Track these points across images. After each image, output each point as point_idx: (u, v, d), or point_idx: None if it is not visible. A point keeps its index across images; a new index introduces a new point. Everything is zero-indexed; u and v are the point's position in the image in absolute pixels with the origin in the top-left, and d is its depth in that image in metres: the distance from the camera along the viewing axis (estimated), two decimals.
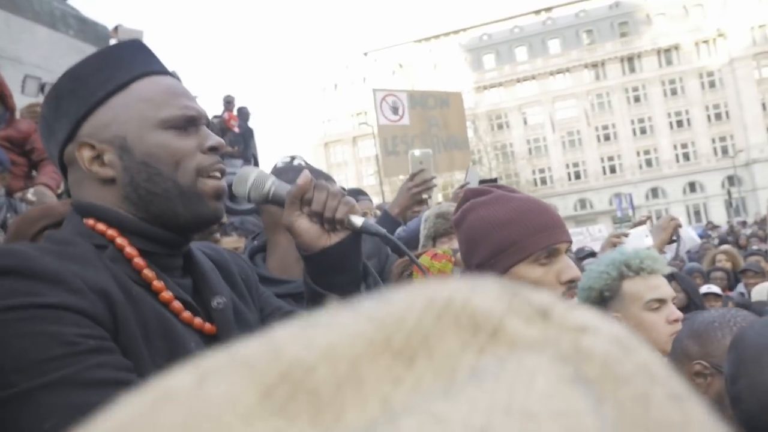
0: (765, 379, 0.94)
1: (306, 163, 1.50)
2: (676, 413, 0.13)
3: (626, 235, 2.31)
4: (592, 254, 4.63)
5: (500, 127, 43.77)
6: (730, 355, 1.03)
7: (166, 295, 0.85)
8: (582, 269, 1.49)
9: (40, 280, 0.74)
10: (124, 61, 0.91)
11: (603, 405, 0.14)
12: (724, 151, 39.68)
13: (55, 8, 4.45)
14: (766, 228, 12.76)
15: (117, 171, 0.87)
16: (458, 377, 0.15)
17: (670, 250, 2.42)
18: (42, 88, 3.22)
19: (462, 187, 2.43)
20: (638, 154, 41.63)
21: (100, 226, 0.86)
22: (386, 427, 0.14)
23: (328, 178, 1.40)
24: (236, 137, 8.57)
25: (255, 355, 0.15)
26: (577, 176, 42.72)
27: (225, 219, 2.81)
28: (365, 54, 47.66)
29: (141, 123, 0.87)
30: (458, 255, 1.38)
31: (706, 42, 40.75)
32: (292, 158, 1.47)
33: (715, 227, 14.89)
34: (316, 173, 1.41)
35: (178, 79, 1.00)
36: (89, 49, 4.56)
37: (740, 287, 4.92)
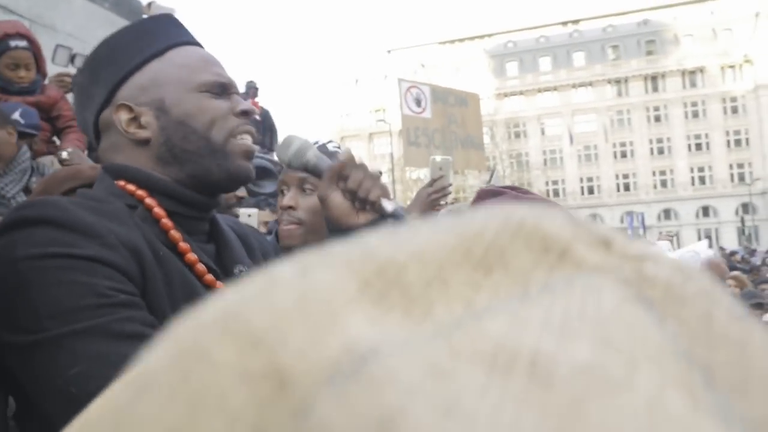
0: None
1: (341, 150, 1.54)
2: (737, 331, 0.15)
3: None
4: None
5: (517, 135, 43.61)
6: None
7: (191, 256, 0.87)
8: None
9: (77, 232, 0.76)
10: (159, 32, 0.94)
11: (666, 322, 0.16)
12: (741, 177, 39.28)
13: None
14: None
15: (153, 132, 0.90)
16: (531, 289, 0.17)
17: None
18: (72, 58, 3.26)
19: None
20: (654, 173, 41.35)
21: (130, 187, 0.89)
22: (471, 323, 0.15)
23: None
24: (256, 125, 8.63)
25: (351, 252, 0.16)
26: (591, 191, 42.50)
27: (244, 194, 2.84)
28: (388, 51, 47.66)
29: (178, 86, 0.90)
30: None
31: (732, 67, 40.36)
32: (329, 142, 1.51)
33: (733, 253, 14.70)
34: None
35: None
36: (122, 23, 4.60)
37: None
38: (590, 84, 42.40)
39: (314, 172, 1.02)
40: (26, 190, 2.84)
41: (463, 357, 0.14)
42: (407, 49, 47.28)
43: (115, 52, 0.92)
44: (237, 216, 2.18)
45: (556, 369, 0.14)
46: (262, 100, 9.29)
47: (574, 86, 42.66)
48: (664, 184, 41.30)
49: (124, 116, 0.90)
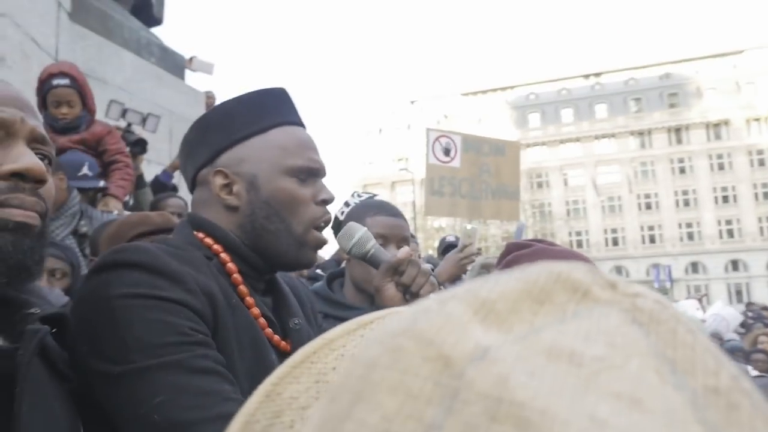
0: None
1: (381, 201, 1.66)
2: (690, 338, 0.25)
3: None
4: None
5: (540, 185, 43.72)
6: None
7: (256, 311, 0.96)
8: None
9: (163, 277, 0.85)
10: (269, 107, 1.03)
11: (649, 335, 0.27)
12: None
13: (141, 36, 4.83)
14: None
15: (242, 202, 0.99)
16: (567, 315, 0.28)
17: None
18: (124, 113, 3.47)
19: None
20: (680, 225, 40.84)
21: (208, 240, 0.99)
22: (533, 336, 0.26)
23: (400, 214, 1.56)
24: None
25: (466, 293, 0.28)
26: (615, 242, 42.04)
27: None
28: (412, 102, 48.70)
29: (272, 166, 0.99)
30: None
31: (757, 120, 40.26)
32: (372, 196, 1.63)
33: (766, 308, 14.22)
34: (392, 210, 1.57)
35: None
36: (167, 76, 4.91)
37: None
38: (613, 135, 42.57)
39: (372, 262, 1.12)
40: (74, 232, 3.01)
41: (531, 352, 0.25)
42: (430, 99, 48.30)
43: (226, 120, 1.01)
44: None
45: (583, 359, 0.25)
46: None
47: (596, 137, 42.85)
48: (690, 236, 40.71)
49: (219, 181, 1.00)
